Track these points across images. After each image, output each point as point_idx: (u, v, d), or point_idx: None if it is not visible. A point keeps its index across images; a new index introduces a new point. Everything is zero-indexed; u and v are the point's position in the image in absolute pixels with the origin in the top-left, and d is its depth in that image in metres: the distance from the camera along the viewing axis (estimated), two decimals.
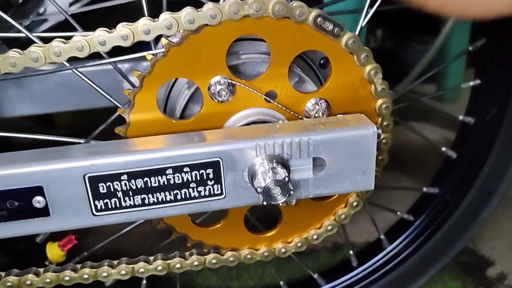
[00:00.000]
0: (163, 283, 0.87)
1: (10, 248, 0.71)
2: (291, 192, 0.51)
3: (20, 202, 0.49)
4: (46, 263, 0.64)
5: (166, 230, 0.64)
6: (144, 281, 0.73)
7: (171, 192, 0.52)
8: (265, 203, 0.52)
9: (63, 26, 0.76)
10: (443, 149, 0.80)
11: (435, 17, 0.70)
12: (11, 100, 0.73)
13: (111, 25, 0.53)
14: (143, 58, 0.55)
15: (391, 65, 0.75)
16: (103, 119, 0.61)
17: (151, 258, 0.64)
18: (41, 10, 0.80)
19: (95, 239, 0.71)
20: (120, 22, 0.52)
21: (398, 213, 0.83)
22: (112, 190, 0.50)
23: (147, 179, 0.51)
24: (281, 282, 0.82)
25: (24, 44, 0.53)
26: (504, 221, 1.07)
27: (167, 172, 0.51)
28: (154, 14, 0.53)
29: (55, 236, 0.65)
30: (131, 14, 0.56)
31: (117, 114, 0.57)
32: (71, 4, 0.79)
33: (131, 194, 0.51)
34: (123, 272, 0.62)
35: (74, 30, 0.55)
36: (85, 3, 0.79)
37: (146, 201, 0.52)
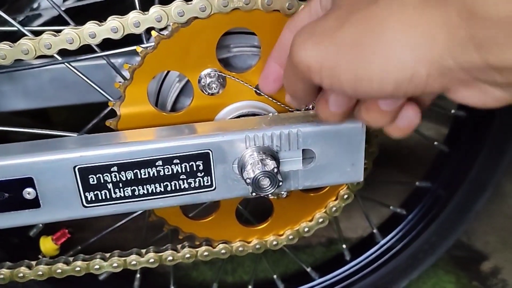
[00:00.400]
0: (158, 278, 0.87)
1: (3, 242, 0.71)
2: (280, 184, 0.51)
3: (11, 193, 0.49)
4: (40, 256, 0.64)
5: (159, 223, 0.64)
6: (138, 275, 0.74)
7: (161, 184, 0.52)
8: (254, 194, 0.52)
9: (58, 21, 0.76)
10: (435, 143, 0.81)
11: None
12: (5, 94, 0.74)
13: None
14: (136, 53, 0.55)
15: None
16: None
17: (143, 250, 0.64)
18: (35, 5, 0.80)
19: (90, 234, 0.71)
20: None
21: (391, 207, 0.83)
22: (102, 181, 0.50)
23: (137, 170, 0.51)
24: (275, 276, 0.82)
25: (19, 39, 0.53)
26: (498, 216, 1.08)
27: (157, 163, 0.51)
28: (148, 9, 0.53)
29: (48, 230, 0.66)
30: (126, 10, 0.56)
31: (109, 108, 0.57)
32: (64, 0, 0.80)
33: (121, 185, 0.51)
34: (115, 264, 0.62)
35: (68, 25, 0.55)
36: None
37: (136, 193, 0.52)
